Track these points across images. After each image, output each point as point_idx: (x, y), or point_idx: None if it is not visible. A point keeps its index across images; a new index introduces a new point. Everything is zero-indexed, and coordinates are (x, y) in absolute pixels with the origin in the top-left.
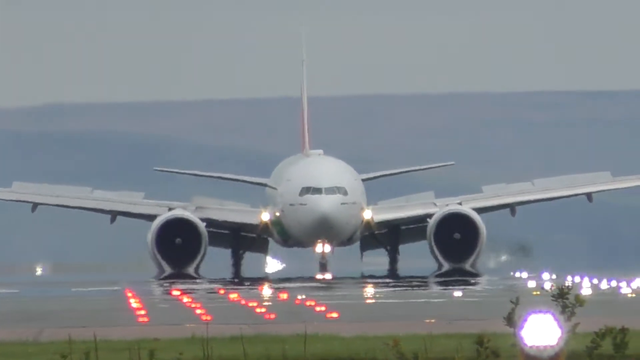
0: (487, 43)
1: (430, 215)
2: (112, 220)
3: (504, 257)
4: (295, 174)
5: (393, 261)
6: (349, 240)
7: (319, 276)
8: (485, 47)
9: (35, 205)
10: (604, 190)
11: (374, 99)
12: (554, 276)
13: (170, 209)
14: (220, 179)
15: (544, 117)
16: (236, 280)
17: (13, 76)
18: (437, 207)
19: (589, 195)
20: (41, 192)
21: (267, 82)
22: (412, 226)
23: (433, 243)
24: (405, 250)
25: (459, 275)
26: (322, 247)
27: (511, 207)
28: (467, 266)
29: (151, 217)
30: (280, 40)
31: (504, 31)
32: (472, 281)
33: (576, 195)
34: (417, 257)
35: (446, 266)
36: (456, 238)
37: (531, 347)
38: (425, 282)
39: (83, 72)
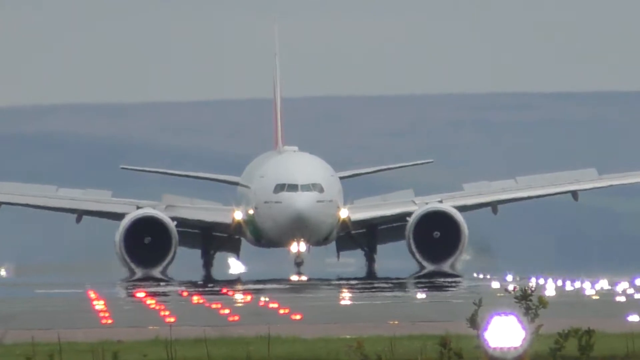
0: (457, 46)
1: (409, 214)
2: (78, 219)
3: (467, 258)
4: (269, 171)
5: (370, 262)
6: (324, 240)
7: (294, 278)
8: (454, 50)
9: None
10: (591, 189)
11: (348, 100)
12: (517, 277)
13: (138, 208)
14: (190, 178)
15: (513, 117)
16: (202, 282)
17: None
18: (416, 206)
19: (574, 193)
20: (4, 191)
21: (234, 84)
22: (390, 225)
23: (412, 243)
24: (387, 250)
25: (438, 277)
26: (298, 247)
27: (493, 205)
28: (447, 266)
29: (119, 216)
30: (248, 42)
31: (474, 35)
32: (450, 282)
33: (561, 193)
34: (400, 258)
35: (426, 266)
36: (436, 237)
37: (495, 348)
38: (401, 284)
39: (44, 73)
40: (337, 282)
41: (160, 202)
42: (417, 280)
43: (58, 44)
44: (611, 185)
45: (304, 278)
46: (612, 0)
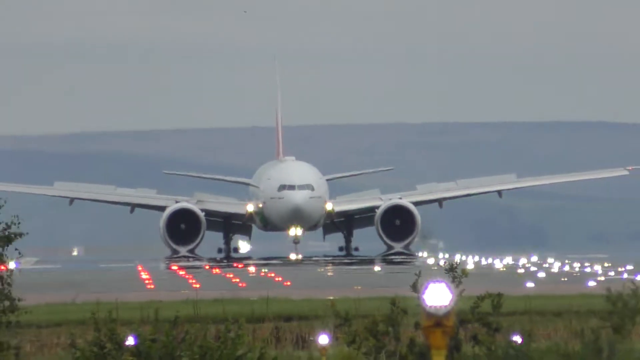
0: (408, 87)
1: (377, 207)
2: (132, 211)
3: (417, 240)
4: (274, 175)
5: (348, 242)
6: (314, 226)
7: (292, 256)
8: (407, 91)
9: (71, 200)
10: (511, 189)
11: (331, 127)
12: (446, 255)
13: (177, 202)
14: (214, 180)
15: (449, 139)
16: (221, 258)
17: (52, 108)
18: (382, 201)
19: (499, 192)
20: (76, 190)
21: (243, 115)
22: (363, 215)
23: (379, 228)
24: (360, 234)
25: (397, 255)
26: (295, 231)
27: (439, 201)
28: (406, 246)
29: (162, 208)
30: (255, 83)
31: (419, 79)
32: (401, 259)
33: (490, 192)
34: (372, 241)
35: (393, 246)
36: (397, 224)
37: (430, 307)
38: (370, 260)
39: (108, 108)
40: (319, 259)
41: (193, 198)
42: (380, 257)
43: (117, 90)
44: (527, 186)
45: (300, 256)
46: (519, 44)
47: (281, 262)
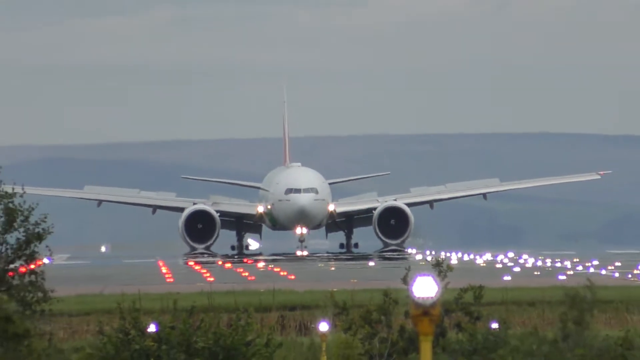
0: (398, 105)
1: (375, 208)
2: (153, 212)
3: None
4: (282, 179)
5: (348, 240)
6: (318, 225)
7: (298, 253)
8: (398, 108)
9: (100, 202)
10: (495, 192)
11: (332, 138)
12: (433, 252)
13: (194, 204)
14: (227, 184)
15: (436, 148)
16: (233, 255)
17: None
18: (379, 203)
19: (484, 195)
20: (104, 193)
21: (254, 127)
22: (362, 216)
23: (377, 227)
24: (360, 233)
25: (392, 252)
26: (301, 230)
27: (430, 203)
28: (400, 243)
29: (181, 210)
30: (263, 98)
31: (408, 96)
32: (394, 255)
33: (476, 194)
34: (370, 239)
35: (389, 244)
36: (392, 224)
37: (418, 298)
38: (367, 256)
39: (132, 122)
40: (321, 256)
41: (208, 200)
42: (376, 254)
43: (141, 105)
44: (509, 189)
45: (305, 253)
46: (510, 62)
47: (289, 258)
